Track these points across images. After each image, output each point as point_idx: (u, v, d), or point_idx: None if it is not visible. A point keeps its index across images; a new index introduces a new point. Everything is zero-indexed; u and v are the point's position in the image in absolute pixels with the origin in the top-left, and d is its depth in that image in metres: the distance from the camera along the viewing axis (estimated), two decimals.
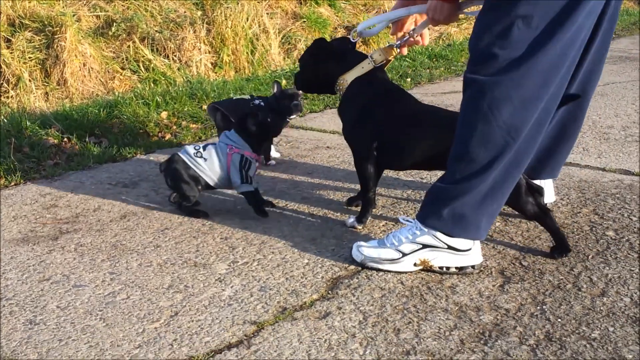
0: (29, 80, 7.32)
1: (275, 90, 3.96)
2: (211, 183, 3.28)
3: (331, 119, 5.28)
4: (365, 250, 2.70)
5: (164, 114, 5.21)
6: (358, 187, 3.46)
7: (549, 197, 3.23)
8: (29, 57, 7.13)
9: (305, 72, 3.35)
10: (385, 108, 3.01)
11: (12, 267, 2.77)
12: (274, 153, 4.31)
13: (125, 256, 2.84)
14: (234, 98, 4.14)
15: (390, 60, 3.10)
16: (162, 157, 4.24)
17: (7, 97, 6.95)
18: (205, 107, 5.43)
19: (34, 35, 7.19)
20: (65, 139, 4.59)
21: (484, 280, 2.60)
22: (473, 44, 2.44)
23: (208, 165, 3.26)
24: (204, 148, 3.30)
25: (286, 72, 6.91)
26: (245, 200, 3.29)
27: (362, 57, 3.12)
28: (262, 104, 3.92)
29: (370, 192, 3.10)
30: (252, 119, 3.32)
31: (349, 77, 3.08)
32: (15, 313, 2.40)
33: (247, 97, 4.11)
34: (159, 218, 3.26)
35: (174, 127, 5.02)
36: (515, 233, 3.03)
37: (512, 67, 2.33)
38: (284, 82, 6.45)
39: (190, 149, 3.28)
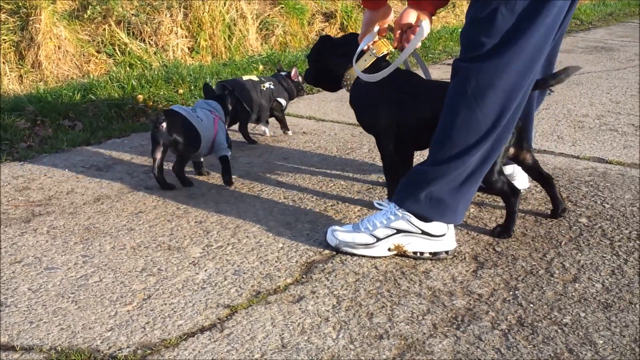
0: (3, 63, 7.22)
1: (292, 72, 4.36)
2: (202, 146, 3.37)
3: (307, 105, 5.27)
4: (340, 234, 2.69)
5: (139, 97, 5.16)
6: (334, 171, 3.46)
7: (523, 183, 3.25)
8: (3, 39, 7.02)
9: (313, 69, 3.40)
10: (397, 88, 3.00)
11: None
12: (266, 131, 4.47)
13: (98, 239, 2.82)
14: (243, 78, 4.24)
15: (391, 50, 3.06)
16: (137, 141, 4.22)
17: None
18: (181, 91, 5.40)
19: (8, 17, 7.09)
20: (39, 122, 4.54)
21: (457, 265, 2.61)
22: (462, 34, 2.50)
23: (204, 126, 3.34)
24: (194, 110, 3.40)
25: (263, 57, 6.88)
26: (221, 183, 3.29)
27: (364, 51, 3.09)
28: (272, 86, 4.22)
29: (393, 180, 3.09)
30: (231, 98, 3.67)
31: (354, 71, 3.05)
32: None
33: (255, 78, 4.26)
34: (133, 201, 3.24)
35: (150, 111, 4.98)
36: (489, 219, 3.04)
37: (497, 55, 2.36)
38: (261, 67, 6.43)
39: (181, 108, 3.37)
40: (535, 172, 3.03)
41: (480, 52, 2.38)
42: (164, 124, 3.23)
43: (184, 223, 2.99)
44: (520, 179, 3.23)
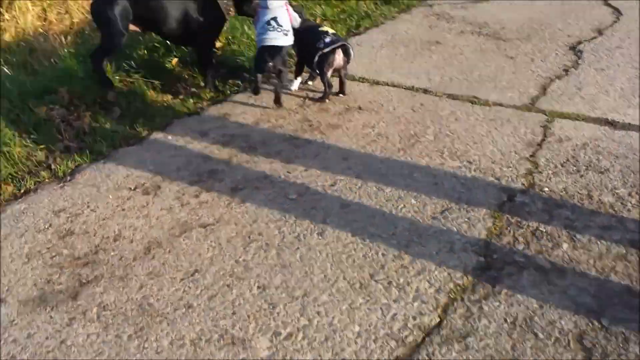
0: None
1: None
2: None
3: (357, 54, 4.80)
4: None
5: (173, 61, 4.76)
6: (401, 182, 3.11)
7: None
8: None
9: None
10: None
11: (29, 352, 2.46)
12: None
13: (154, 328, 2.54)
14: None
15: None
16: (180, 132, 3.87)
17: (2, 21, 6.41)
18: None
19: None
20: (73, 109, 4.18)
21: None
22: None
23: None
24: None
25: None
26: (278, 218, 3.00)
27: None
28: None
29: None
30: None
31: None
32: None
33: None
34: (187, 251, 2.94)
35: (186, 76, 4.57)
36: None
37: None
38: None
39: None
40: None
41: None
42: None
43: (246, 291, 2.70)
44: None
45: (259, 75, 4.25)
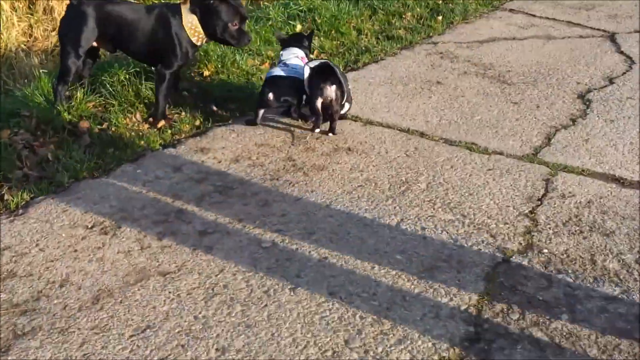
0: (11, 12, 6.52)
1: None
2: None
3: (352, 90, 4.49)
4: None
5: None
6: (387, 234, 2.78)
7: None
8: None
9: None
10: None
11: None
12: None
13: None
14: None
15: None
16: (152, 170, 3.54)
17: None
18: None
19: None
20: (39, 134, 3.86)
21: None
22: None
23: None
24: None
25: None
26: (249, 270, 2.64)
27: None
28: None
29: None
30: None
31: None
32: None
33: None
34: (141, 302, 2.61)
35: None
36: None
37: None
38: None
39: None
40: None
41: None
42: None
43: (202, 353, 2.37)
44: None
45: (261, 112, 4.06)
